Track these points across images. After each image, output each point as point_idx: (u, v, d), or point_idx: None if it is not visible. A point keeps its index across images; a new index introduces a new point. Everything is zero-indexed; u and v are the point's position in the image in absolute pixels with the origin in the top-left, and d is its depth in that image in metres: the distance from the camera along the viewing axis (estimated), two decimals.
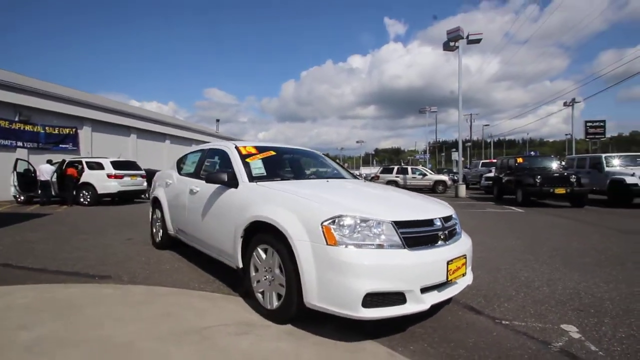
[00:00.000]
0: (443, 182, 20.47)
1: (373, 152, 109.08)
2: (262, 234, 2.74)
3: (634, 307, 3.06)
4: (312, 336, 2.44)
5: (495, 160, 23.02)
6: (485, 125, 77.77)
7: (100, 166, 12.40)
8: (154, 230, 5.19)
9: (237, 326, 2.57)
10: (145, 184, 13.32)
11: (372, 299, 2.18)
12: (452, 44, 16.12)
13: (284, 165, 4.11)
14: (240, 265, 2.98)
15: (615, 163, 12.13)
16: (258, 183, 3.18)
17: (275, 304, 2.62)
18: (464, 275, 2.67)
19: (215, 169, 3.92)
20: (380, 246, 2.27)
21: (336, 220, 2.31)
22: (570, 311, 2.97)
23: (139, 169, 13.51)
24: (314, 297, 2.31)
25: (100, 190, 12.07)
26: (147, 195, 13.78)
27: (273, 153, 3.84)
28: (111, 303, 3.00)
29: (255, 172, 3.41)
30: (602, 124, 33.63)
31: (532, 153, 43.29)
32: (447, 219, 2.72)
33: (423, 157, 78.78)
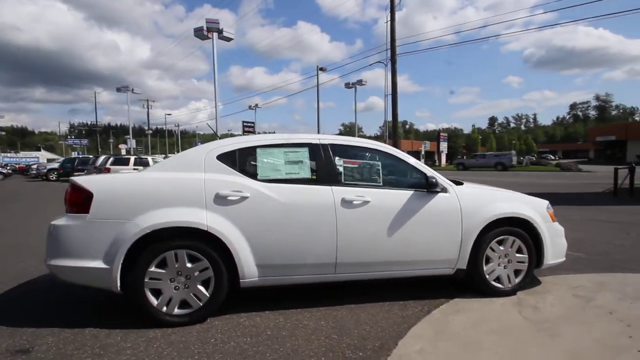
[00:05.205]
0: None
1: None
2: (499, 228, 3.38)
3: None
4: (532, 295, 3.43)
5: None
6: (168, 114, 75.37)
7: None
8: (172, 294, 2.91)
9: (531, 313, 3.05)
10: None
11: None
12: (207, 33, 16.00)
13: None
14: (465, 267, 3.36)
15: None
16: (466, 186, 3.63)
17: (515, 280, 3.45)
18: None
19: (375, 172, 3.47)
20: None
21: (548, 206, 3.70)
22: None
23: None
24: (549, 258, 3.52)
25: None
26: None
27: None
28: None
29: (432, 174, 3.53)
30: (252, 124, 42.14)
31: (199, 143, 47.47)
32: None
33: (78, 142, 66.02)
